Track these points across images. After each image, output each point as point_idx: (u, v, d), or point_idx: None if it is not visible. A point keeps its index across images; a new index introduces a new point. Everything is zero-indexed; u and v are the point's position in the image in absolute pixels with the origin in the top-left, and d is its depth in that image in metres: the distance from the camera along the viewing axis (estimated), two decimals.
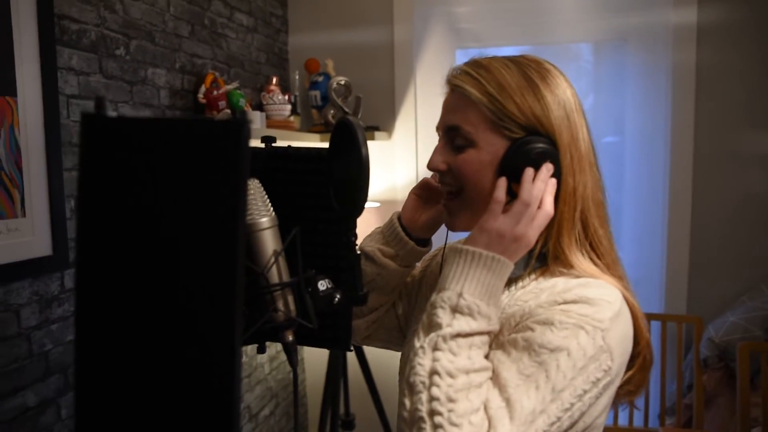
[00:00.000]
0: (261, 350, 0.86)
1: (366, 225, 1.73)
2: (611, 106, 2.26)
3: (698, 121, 2.05)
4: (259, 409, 2.16)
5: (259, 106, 1.99)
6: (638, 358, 0.78)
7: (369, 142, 2.28)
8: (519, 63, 0.79)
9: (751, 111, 2.04)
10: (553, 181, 0.76)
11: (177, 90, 1.68)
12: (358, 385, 2.10)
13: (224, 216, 0.53)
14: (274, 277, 0.73)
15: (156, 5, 1.58)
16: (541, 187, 0.74)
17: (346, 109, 2.18)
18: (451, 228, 0.86)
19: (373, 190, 2.32)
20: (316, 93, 2.24)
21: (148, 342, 0.55)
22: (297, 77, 2.29)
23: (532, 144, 0.75)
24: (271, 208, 0.75)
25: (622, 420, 2.07)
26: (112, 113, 0.55)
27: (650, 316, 2.05)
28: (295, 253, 0.85)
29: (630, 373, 0.77)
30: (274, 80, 2.06)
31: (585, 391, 0.68)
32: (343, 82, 2.16)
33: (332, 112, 2.18)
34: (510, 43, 2.31)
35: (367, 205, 2.24)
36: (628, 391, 0.79)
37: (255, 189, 0.73)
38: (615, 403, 0.81)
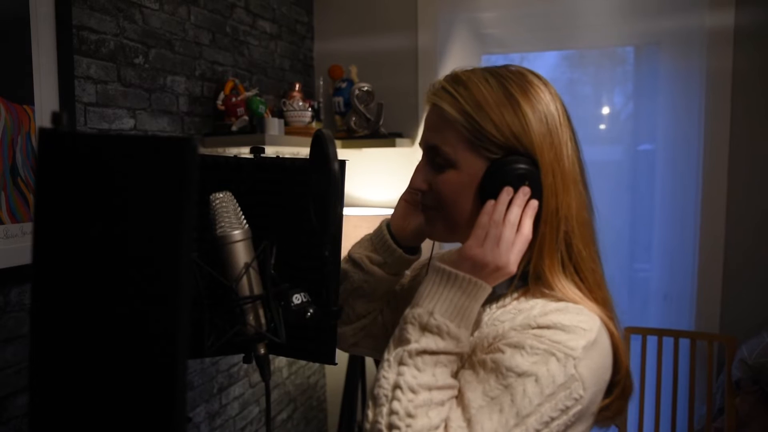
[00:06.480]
0: (246, 360, 0.86)
1: None
2: (644, 113, 2.17)
3: (734, 130, 1.94)
4: (277, 413, 2.17)
5: (280, 113, 2.01)
6: (617, 387, 0.75)
7: (390, 150, 2.31)
8: (500, 76, 0.76)
9: None
10: (534, 203, 0.74)
11: (196, 97, 1.71)
12: None
13: (168, 233, 0.53)
14: (244, 289, 0.73)
15: (176, 15, 1.62)
16: (516, 212, 0.72)
17: (369, 116, 2.17)
18: (428, 236, 0.86)
19: (394, 197, 2.31)
20: (339, 99, 2.25)
21: (97, 347, 0.56)
22: (321, 83, 2.30)
23: (509, 165, 0.73)
24: (245, 221, 0.75)
25: None
26: (68, 129, 0.56)
27: (679, 334, 1.95)
28: (282, 266, 0.85)
29: (608, 400, 0.75)
30: (297, 87, 2.07)
31: (552, 419, 0.66)
32: (365, 89, 2.16)
33: (354, 118, 2.18)
34: (536, 48, 2.25)
35: (387, 212, 2.20)
36: (605, 417, 0.77)
37: (228, 201, 0.73)
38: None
